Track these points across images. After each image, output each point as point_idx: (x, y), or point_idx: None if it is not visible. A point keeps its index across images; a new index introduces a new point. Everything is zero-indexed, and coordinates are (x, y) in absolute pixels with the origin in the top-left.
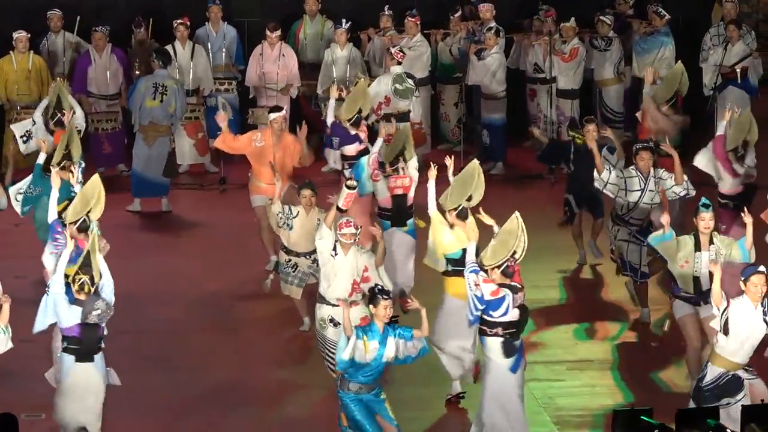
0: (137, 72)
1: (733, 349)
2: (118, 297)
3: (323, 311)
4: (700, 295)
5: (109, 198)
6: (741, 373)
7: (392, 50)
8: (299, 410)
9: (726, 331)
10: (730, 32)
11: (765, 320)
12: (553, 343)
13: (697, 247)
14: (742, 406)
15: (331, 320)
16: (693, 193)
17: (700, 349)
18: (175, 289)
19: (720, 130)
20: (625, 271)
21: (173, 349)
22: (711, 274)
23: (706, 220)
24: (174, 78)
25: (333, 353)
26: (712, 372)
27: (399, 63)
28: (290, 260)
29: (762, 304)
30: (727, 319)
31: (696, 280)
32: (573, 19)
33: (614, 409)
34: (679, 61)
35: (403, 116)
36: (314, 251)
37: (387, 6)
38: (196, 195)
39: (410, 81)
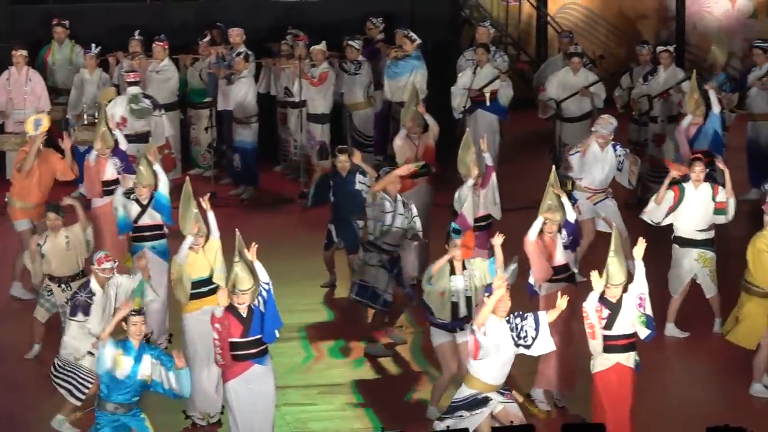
0: None
1: (485, 370)
2: None
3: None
4: (456, 321)
5: None
6: (493, 395)
7: (124, 71)
8: None
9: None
10: (479, 55)
11: (513, 339)
12: (305, 367)
13: (452, 272)
14: (563, 424)
15: (90, 352)
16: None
17: (455, 376)
18: None
19: (489, 162)
20: (362, 299)
21: None
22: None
23: (457, 246)
24: None
25: (83, 380)
26: (464, 392)
27: (134, 83)
28: (49, 285)
29: (509, 321)
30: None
31: (453, 305)
32: (323, 43)
33: None
34: (413, 87)
35: (142, 137)
36: (74, 277)
37: (137, 31)
38: None
39: (147, 101)
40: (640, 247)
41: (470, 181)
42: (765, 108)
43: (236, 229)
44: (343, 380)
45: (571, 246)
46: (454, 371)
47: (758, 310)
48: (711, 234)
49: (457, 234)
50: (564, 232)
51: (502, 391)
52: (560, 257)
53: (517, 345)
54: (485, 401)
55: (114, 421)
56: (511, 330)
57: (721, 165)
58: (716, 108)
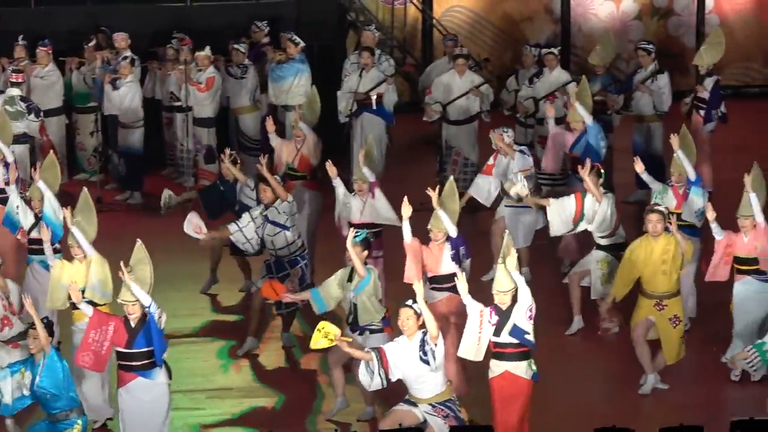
0: None
1: (407, 385)
2: None
3: None
4: (353, 324)
5: None
6: (424, 406)
7: (10, 70)
8: None
9: (388, 378)
10: (364, 59)
11: (420, 357)
12: (192, 371)
13: (350, 278)
14: (450, 426)
15: None
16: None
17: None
18: None
19: (371, 177)
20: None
21: None
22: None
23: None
24: None
25: None
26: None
27: (16, 84)
28: None
29: (422, 339)
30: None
31: (353, 307)
32: (208, 48)
33: None
34: (313, 86)
35: (17, 138)
36: None
37: (21, 36)
38: None
39: (22, 104)
40: (512, 258)
41: (335, 182)
42: (650, 110)
43: (138, 239)
44: (231, 384)
45: (455, 258)
46: (332, 362)
47: (642, 307)
48: (614, 239)
49: (357, 238)
50: (448, 245)
51: (435, 404)
52: (446, 267)
53: (423, 361)
54: (413, 404)
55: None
56: (421, 347)
57: (582, 173)
58: (588, 119)
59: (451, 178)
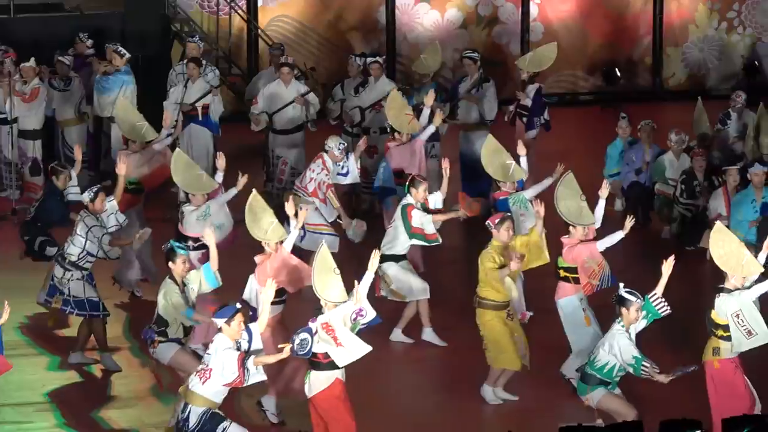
0: None
1: (214, 390)
2: None
3: None
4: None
5: None
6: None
7: None
8: None
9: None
10: (190, 70)
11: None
12: (21, 384)
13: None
14: None
15: None
16: None
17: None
18: None
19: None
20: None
21: None
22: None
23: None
24: None
25: None
26: (195, 412)
27: None
28: None
29: (238, 342)
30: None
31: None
32: (33, 59)
33: None
34: (125, 101)
35: None
36: None
37: None
38: None
39: None
40: (375, 258)
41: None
42: (476, 118)
43: None
44: (61, 397)
45: None
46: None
47: (496, 322)
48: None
49: (178, 250)
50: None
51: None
52: None
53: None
54: (219, 417)
55: None
56: (238, 349)
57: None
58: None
59: (254, 191)
